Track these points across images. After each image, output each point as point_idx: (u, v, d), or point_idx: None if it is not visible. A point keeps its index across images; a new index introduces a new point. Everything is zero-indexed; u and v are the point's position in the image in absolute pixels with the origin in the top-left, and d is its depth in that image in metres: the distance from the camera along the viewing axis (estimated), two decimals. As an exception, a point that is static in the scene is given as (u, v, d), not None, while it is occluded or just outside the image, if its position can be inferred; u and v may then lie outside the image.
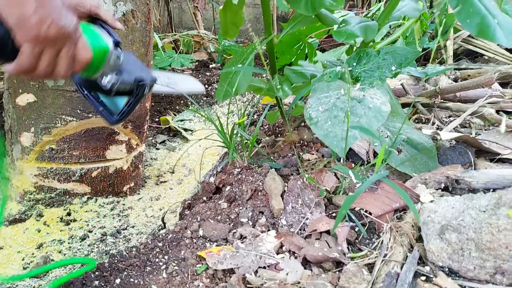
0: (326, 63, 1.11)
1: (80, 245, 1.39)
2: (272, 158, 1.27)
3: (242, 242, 0.86)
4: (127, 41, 1.47)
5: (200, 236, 0.93)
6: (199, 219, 1.00)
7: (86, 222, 1.50)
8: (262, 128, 1.72)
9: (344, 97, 0.95)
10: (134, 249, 0.89)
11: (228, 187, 1.11)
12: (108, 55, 0.81)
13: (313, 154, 1.23)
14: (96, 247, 1.38)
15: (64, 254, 1.34)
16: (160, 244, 0.91)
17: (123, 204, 1.64)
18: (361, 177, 0.95)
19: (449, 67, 1.45)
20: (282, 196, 1.02)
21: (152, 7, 1.69)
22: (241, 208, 1.01)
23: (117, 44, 0.86)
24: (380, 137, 0.93)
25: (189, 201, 1.28)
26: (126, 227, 1.51)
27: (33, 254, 1.33)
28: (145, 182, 1.85)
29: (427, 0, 2.86)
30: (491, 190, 0.94)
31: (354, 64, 1.06)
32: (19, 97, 1.42)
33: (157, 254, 0.88)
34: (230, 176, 1.15)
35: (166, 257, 0.87)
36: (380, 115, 0.90)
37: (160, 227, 1.47)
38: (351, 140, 0.88)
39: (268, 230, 0.92)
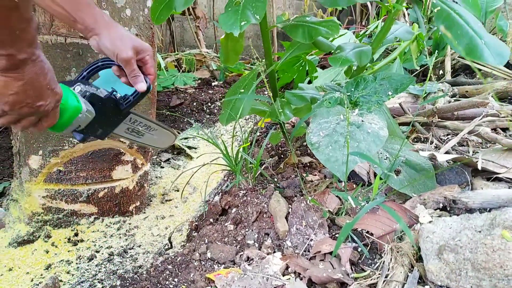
0: (326, 87, 1.15)
1: (88, 265, 1.40)
2: (275, 179, 1.31)
3: (249, 264, 0.89)
4: (132, 65, 1.51)
5: (208, 258, 0.96)
6: (206, 241, 1.03)
7: (93, 242, 1.52)
8: (265, 148, 1.76)
9: (344, 123, 1.00)
10: (145, 272, 0.92)
11: (234, 209, 1.14)
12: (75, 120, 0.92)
13: (315, 175, 1.27)
14: (104, 267, 1.40)
15: (72, 275, 1.36)
16: (170, 267, 0.94)
17: (129, 224, 1.65)
18: (362, 199, 0.98)
19: (443, 94, 1.49)
20: (286, 218, 1.05)
21: (156, 30, 1.73)
22: (247, 230, 1.04)
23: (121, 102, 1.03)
24: (379, 163, 0.96)
25: (196, 223, 1.30)
26: (133, 246, 1.52)
27: (41, 275, 1.35)
28: (151, 201, 1.87)
29: (425, 16, 2.92)
30: (487, 209, 0.98)
31: (352, 89, 1.11)
32: (28, 121, 1.45)
33: (167, 276, 0.90)
34: (236, 198, 1.19)
35: (176, 279, 0.90)
36: (378, 140, 0.94)
37: (166, 246, 1.49)
38: (351, 164, 0.92)
39: (274, 251, 0.96)
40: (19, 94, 0.68)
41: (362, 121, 1.00)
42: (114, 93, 1.03)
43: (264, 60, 1.30)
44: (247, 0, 0.97)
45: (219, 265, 0.95)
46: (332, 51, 1.22)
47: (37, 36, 0.68)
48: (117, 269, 1.38)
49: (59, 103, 0.80)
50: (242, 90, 1.18)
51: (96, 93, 0.97)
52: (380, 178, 0.97)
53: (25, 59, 0.64)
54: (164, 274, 0.91)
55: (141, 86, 1.01)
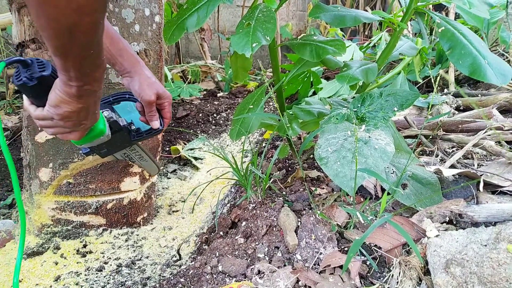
0: (332, 103, 1.18)
1: (97, 276, 1.41)
2: (284, 193, 1.33)
3: (260, 278, 0.91)
4: (140, 78, 1.54)
5: (220, 271, 0.98)
6: (217, 255, 1.05)
7: (102, 253, 1.53)
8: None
9: (351, 138, 1.02)
10: (157, 285, 0.94)
11: (244, 223, 1.16)
12: (96, 140, 1.04)
13: (323, 188, 1.29)
14: (112, 279, 1.41)
15: (81, 286, 1.37)
16: (182, 280, 0.95)
17: (137, 235, 1.66)
18: (370, 213, 1.00)
19: (447, 112, 1.51)
20: (296, 231, 1.07)
21: (163, 44, 1.76)
22: (257, 243, 1.06)
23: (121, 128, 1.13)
24: (386, 180, 0.98)
25: (206, 236, 1.32)
26: (141, 257, 1.53)
27: (51, 286, 1.35)
28: (158, 212, 1.88)
29: (428, 27, 2.95)
30: (493, 223, 0.99)
31: (359, 105, 1.13)
32: (38, 135, 1.47)
33: (180, 290, 0.92)
34: (245, 211, 1.21)
35: (188, 292, 0.92)
36: (385, 156, 0.97)
37: (174, 257, 1.50)
38: (359, 180, 0.94)
39: (284, 265, 0.98)
40: (73, 112, 0.81)
41: (369, 137, 1.03)
42: (131, 124, 1.18)
43: (267, 70, 1.33)
44: (257, 22, 1.02)
45: (231, 278, 0.97)
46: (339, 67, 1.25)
47: (104, 74, 0.80)
48: (125, 281, 1.40)
49: (94, 124, 0.93)
50: (251, 106, 1.21)
51: (117, 120, 1.09)
52: (388, 193, 0.99)
53: (89, 89, 0.77)
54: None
55: (156, 124, 1.15)
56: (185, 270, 1.02)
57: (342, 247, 1.03)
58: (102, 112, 1.04)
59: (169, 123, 2.69)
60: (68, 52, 0.67)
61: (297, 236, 1.05)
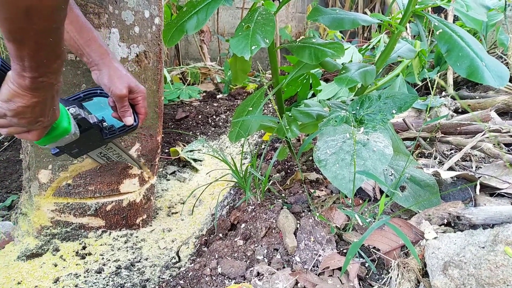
0: (331, 105, 1.18)
1: (96, 278, 1.41)
2: (283, 195, 1.33)
3: (259, 280, 0.91)
4: (140, 80, 1.54)
5: (219, 273, 0.99)
6: (216, 257, 1.06)
7: (101, 255, 1.53)
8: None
9: (350, 141, 1.03)
10: (157, 287, 0.94)
11: (243, 225, 1.17)
12: (60, 139, 0.97)
13: (322, 190, 1.29)
14: (111, 281, 1.41)
15: (80, 288, 1.38)
16: (182, 282, 0.96)
17: (136, 237, 1.67)
18: (369, 215, 1.01)
19: (445, 115, 1.52)
20: (295, 233, 1.08)
21: (163, 46, 1.76)
22: (256, 245, 1.07)
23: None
24: (384, 182, 0.99)
25: (206, 238, 1.32)
26: (140, 259, 1.53)
27: (50, 288, 1.37)
28: (157, 214, 1.88)
29: (426, 29, 2.95)
30: (491, 225, 1.00)
31: (357, 107, 1.14)
32: (38, 136, 1.48)
33: (179, 292, 0.92)
34: (244, 213, 1.21)
35: (187, 294, 0.92)
36: (384, 158, 0.97)
37: (173, 259, 1.50)
38: (358, 182, 0.95)
39: (283, 267, 0.98)
40: (27, 107, 0.74)
41: (368, 139, 1.03)
42: (103, 122, 1.10)
43: (267, 72, 1.33)
44: (256, 24, 1.02)
45: (230, 280, 0.97)
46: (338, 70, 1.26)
47: (62, 66, 0.74)
48: (124, 283, 1.40)
49: (54, 122, 0.87)
50: (250, 108, 1.21)
51: (86, 118, 1.02)
52: (386, 196, 0.99)
53: (45, 82, 0.71)
54: (176, 289, 0.93)
55: (129, 120, 1.08)
56: (184, 272, 1.02)
57: (341, 249, 1.03)
58: (68, 109, 0.97)
59: (169, 125, 2.70)
60: (24, 38, 0.61)
61: (296, 238, 1.06)
